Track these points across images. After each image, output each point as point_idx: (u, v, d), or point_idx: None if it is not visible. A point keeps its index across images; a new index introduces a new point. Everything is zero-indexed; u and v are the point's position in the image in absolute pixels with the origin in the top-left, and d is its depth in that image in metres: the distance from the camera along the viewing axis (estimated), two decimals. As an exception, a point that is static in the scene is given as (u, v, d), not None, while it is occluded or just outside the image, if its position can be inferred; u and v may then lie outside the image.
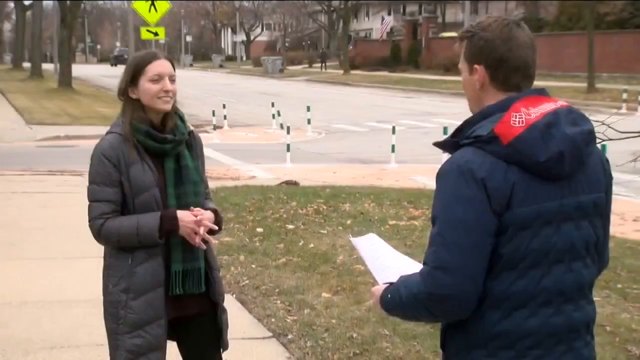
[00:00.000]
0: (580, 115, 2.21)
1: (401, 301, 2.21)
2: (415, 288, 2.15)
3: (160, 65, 3.22)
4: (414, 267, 2.43)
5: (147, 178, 3.17)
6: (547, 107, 2.16)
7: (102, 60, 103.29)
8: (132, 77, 3.23)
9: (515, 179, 2.11)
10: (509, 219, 2.11)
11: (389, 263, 2.52)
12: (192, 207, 3.23)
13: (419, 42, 55.15)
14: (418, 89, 39.91)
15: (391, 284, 2.31)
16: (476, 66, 2.24)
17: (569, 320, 2.20)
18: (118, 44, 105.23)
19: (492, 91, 2.24)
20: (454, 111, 25.62)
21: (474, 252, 2.10)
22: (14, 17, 66.16)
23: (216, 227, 3.27)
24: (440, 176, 2.19)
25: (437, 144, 2.36)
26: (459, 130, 2.25)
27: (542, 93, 2.22)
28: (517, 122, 2.11)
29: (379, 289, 2.35)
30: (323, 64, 64.18)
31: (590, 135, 2.19)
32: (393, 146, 14.82)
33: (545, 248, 2.15)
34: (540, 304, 2.16)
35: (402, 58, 55.18)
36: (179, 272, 3.25)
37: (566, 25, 44.20)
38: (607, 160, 2.33)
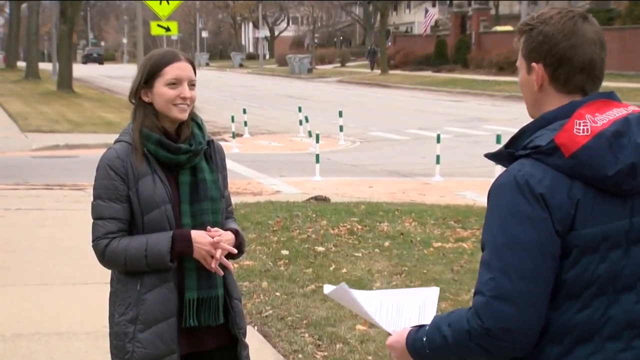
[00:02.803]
0: None
1: (445, 343, 2.17)
2: (466, 324, 2.13)
3: (180, 68, 3.23)
4: (416, 298, 2.41)
5: (159, 193, 3.18)
6: (616, 113, 2.16)
7: (107, 58, 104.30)
8: (147, 78, 3.23)
9: (580, 195, 2.11)
10: (573, 241, 2.11)
11: (388, 305, 2.41)
12: (209, 227, 3.23)
13: (468, 38, 55.01)
14: (467, 91, 39.79)
15: (419, 327, 2.27)
16: (534, 64, 2.24)
17: (639, 358, 2.19)
18: (125, 40, 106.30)
19: (553, 93, 2.24)
20: (508, 117, 25.51)
21: (537, 278, 2.09)
22: (7, 10, 67.12)
23: (235, 251, 3.25)
24: (494, 192, 2.18)
25: (489, 155, 2.35)
26: (515, 139, 2.24)
27: (611, 97, 2.22)
28: (581, 131, 2.11)
29: (398, 339, 2.31)
30: (373, 64, 62.18)
31: None
32: (438, 157, 14.78)
33: (613, 274, 2.14)
34: (607, 338, 2.16)
35: (449, 56, 55.07)
36: (194, 301, 3.24)
37: (640, 18, 43.84)
38: None
